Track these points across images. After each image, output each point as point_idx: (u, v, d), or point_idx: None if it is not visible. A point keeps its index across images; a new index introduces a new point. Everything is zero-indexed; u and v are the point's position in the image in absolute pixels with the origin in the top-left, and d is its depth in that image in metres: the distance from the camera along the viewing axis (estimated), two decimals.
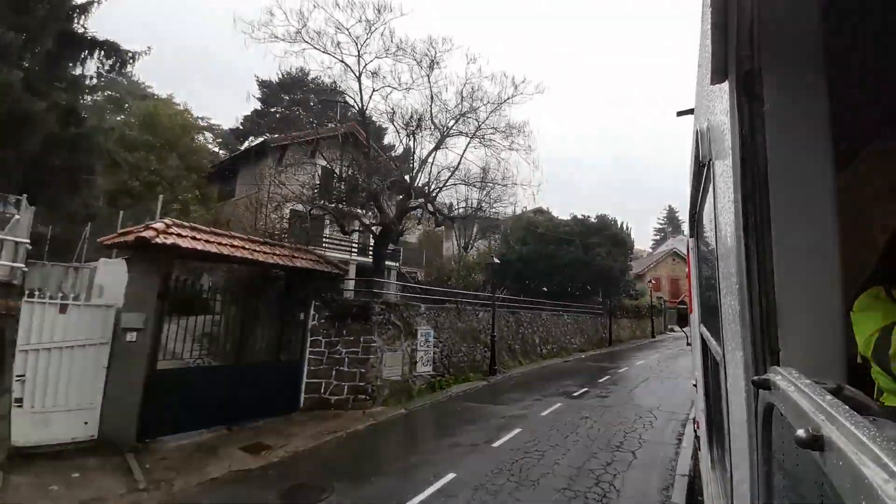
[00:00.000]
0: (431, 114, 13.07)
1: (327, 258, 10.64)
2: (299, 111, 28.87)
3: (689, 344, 4.83)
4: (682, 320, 5.58)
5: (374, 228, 12.92)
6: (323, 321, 9.76)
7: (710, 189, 1.32)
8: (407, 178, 13.62)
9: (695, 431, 4.97)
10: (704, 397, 2.56)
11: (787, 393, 0.60)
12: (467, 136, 13.43)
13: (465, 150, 13.44)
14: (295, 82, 32.14)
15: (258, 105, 35.77)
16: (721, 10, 0.91)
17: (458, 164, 13.50)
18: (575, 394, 11.35)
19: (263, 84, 36.10)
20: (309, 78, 28.96)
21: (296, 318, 9.51)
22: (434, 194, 13.36)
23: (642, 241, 65.56)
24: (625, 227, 27.24)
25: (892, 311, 0.98)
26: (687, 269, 3.96)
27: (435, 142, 13.51)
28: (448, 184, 13.48)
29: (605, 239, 25.02)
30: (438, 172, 13.47)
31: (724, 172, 1.05)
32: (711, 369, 1.90)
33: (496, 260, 16.42)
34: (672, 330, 34.40)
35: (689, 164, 2.17)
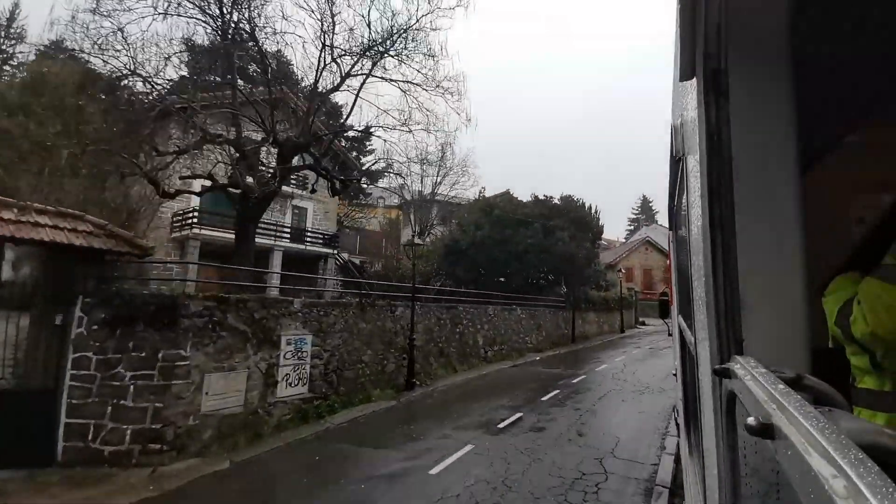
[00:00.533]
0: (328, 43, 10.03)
1: (116, 231, 7.24)
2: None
3: (670, 334, 4.86)
4: (664, 311, 5.85)
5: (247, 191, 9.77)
6: (96, 328, 6.60)
7: (685, 184, 1.37)
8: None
9: (675, 419, 5.35)
10: (682, 385, 2.65)
11: (744, 382, 0.64)
12: (374, 74, 10.86)
13: (360, 88, 10.73)
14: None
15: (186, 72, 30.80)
16: (689, 7, 0.95)
17: (353, 106, 11.02)
18: (501, 423, 8.49)
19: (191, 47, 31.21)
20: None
21: (50, 322, 6.42)
22: (326, 145, 11.12)
23: (616, 231, 65.27)
24: (593, 211, 24.69)
25: (858, 287, 1.04)
26: (668, 262, 5.92)
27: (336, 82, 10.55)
28: (352, 133, 11.97)
29: (568, 222, 22.33)
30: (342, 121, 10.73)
31: (695, 167, 1.09)
32: (688, 358, 1.91)
33: (418, 241, 13.21)
34: (643, 324, 32.22)
35: (666, 158, 2.17)
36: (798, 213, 0.92)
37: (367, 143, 33.45)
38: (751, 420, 0.49)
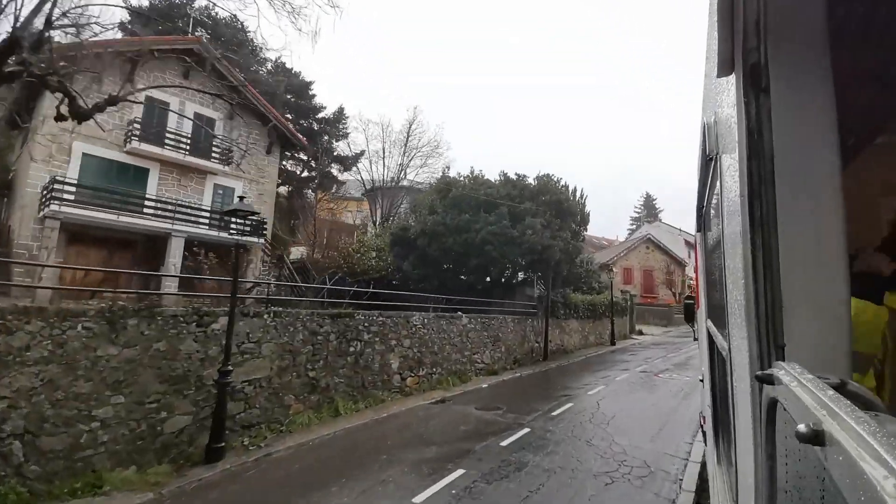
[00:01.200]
0: None
1: None
2: None
3: (696, 339, 4.97)
4: (689, 315, 5.60)
5: None
6: None
7: (718, 183, 1.44)
8: None
9: (701, 427, 5.35)
10: (711, 392, 2.72)
11: (789, 388, 0.66)
12: None
13: None
14: None
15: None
16: (727, 2, 1.00)
17: None
18: None
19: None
20: None
21: None
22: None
23: (619, 232, 66.23)
24: (577, 195, 20.56)
25: None
26: (694, 265, 4.49)
27: None
28: None
29: (545, 207, 18.61)
30: None
31: (731, 166, 1.13)
32: (718, 364, 1.97)
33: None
34: (640, 333, 30.10)
35: (696, 158, 2.31)
36: (840, 213, 0.94)
37: (341, 125, 28.47)
38: (802, 427, 0.50)
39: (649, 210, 69.20)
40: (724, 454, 1.78)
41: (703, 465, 6.25)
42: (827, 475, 0.47)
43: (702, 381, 3.94)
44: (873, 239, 2.10)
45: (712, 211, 1.73)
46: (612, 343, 23.80)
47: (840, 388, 0.64)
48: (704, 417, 3.80)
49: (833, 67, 0.96)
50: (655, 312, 35.25)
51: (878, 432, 0.41)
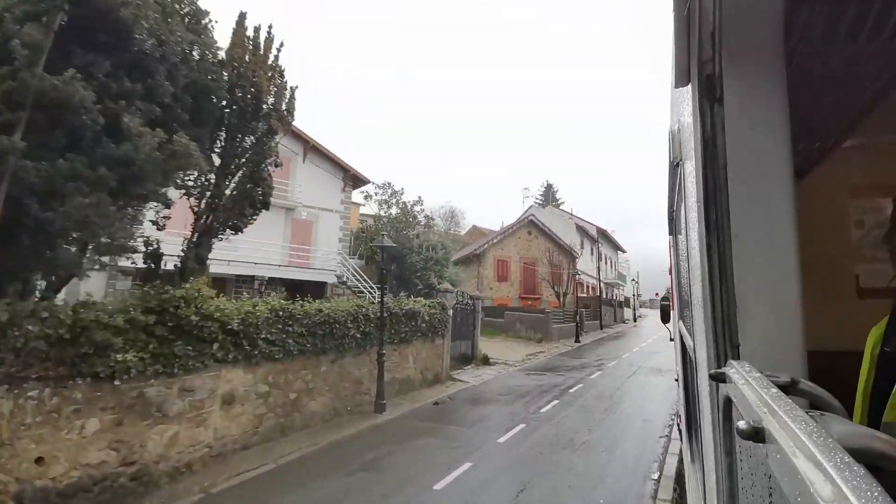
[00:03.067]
0: None
1: None
2: None
3: (672, 339, 5.20)
4: (665, 316, 6.01)
5: None
6: None
7: (682, 189, 1.46)
8: None
9: (678, 425, 5.59)
10: (683, 391, 2.83)
11: (738, 386, 0.67)
12: None
13: None
14: None
15: None
16: (684, 14, 1.02)
17: None
18: None
19: None
20: None
21: None
22: None
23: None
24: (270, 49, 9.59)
25: None
26: (669, 267, 4.63)
27: None
28: None
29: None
30: None
31: (691, 172, 1.17)
32: (689, 364, 1.99)
33: None
34: (486, 362, 16.41)
35: (666, 164, 2.32)
36: (792, 218, 0.97)
37: None
38: (742, 424, 0.51)
39: (548, 200, 60.49)
40: (696, 452, 1.81)
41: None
42: (771, 471, 0.48)
43: (677, 380, 4.07)
44: (841, 241, 2.15)
45: (680, 215, 1.78)
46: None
47: (790, 387, 0.66)
48: (680, 416, 4.01)
49: (797, 71, 1.01)
50: (531, 321, 24.28)
51: (814, 432, 0.41)
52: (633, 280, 61.90)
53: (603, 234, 43.64)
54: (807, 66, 1.47)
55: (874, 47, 1.44)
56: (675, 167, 1.68)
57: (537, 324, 24.03)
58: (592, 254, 40.60)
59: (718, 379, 0.80)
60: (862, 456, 0.39)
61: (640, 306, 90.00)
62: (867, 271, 2.27)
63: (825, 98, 1.72)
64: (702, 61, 1.04)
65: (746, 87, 1.00)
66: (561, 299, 28.60)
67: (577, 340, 24.11)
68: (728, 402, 0.76)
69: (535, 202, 59.02)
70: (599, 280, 38.70)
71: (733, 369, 0.75)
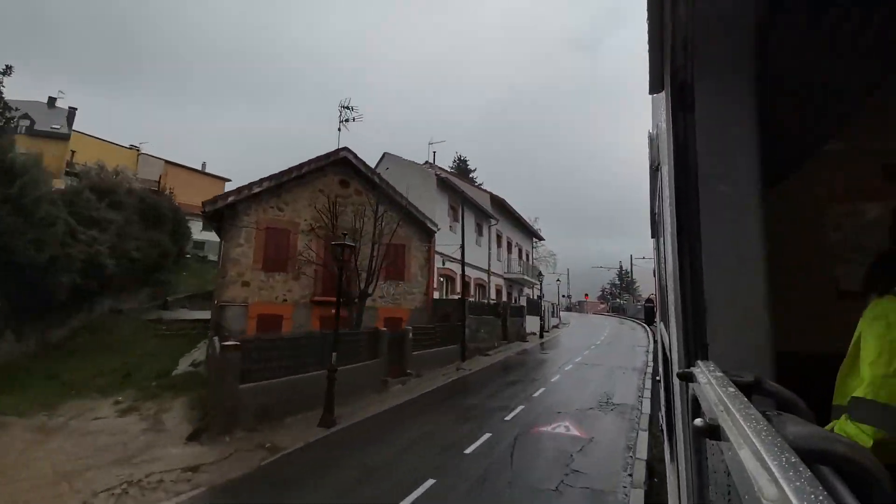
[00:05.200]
0: None
1: None
2: None
3: (656, 341, 5.26)
4: (650, 318, 6.41)
5: None
6: None
7: (661, 192, 1.49)
8: None
9: (660, 425, 5.47)
10: (664, 391, 2.79)
11: (701, 385, 0.69)
12: None
13: None
14: None
15: None
16: (657, 23, 1.04)
17: None
18: None
19: None
20: None
21: None
22: None
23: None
24: None
25: None
26: (653, 268, 4.63)
27: None
28: None
29: None
30: None
31: (665, 176, 1.20)
32: (667, 364, 1.96)
33: None
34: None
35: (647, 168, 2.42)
36: (760, 222, 0.99)
37: None
38: (698, 421, 0.53)
39: (462, 172, 50.35)
40: (673, 450, 1.84)
41: None
42: (727, 468, 0.49)
43: (659, 380, 4.32)
44: (819, 245, 2.22)
45: (660, 218, 1.82)
46: None
47: (754, 387, 0.68)
48: (662, 416, 3.92)
49: (773, 79, 1.05)
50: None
51: (763, 430, 0.42)
52: (557, 279, 52.58)
53: (501, 205, 29.56)
54: (783, 74, 1.48)
55: (850, 57, 1.48)
56: (654, 171, 1.76)
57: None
58: (483, 234, 27.35)
59: (686, 378, 0.85)
60: (822, 458, 0.39)
61: (569, 309, 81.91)
62: (846, 274, 2.29)
63: (802, 105, 1.74)
64: (674, 69, 1.05)
65: (717, 95, 1.01)
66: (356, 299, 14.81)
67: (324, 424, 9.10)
68: (696, 400, 0.78)
69: (449, 169, 47.04)
70: (491, 273, 27.66)
71: (699, 369, 0.78)
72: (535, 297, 34.99)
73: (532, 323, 30.18)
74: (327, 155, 17.42)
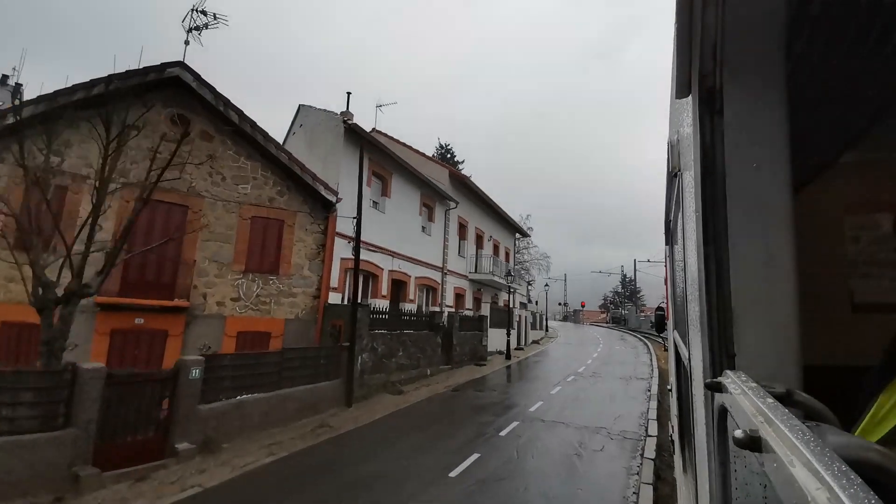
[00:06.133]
0: None
1: None
2: None
3: (666, 349, 5.39)
4: (660, 326, 5.98)
5: None
6: None
7: (680, 199, 1.47)
8: None
9: (670, 435, 5.45)
10: (677, 402, 2.80)
11: (734, 396, 0.68)
12: None
13: None
14: None
15: None
16: (685, 28, 1.03)
17: None
18: None
19: None
20: None
21: None
22: None
23: None
24: None
25: None
26: (664, 276, 4.61)
27: None
28: None
29: None
30: None
31: (689, 183, 1.18)
32: (682, 374, 1.96)
33: None
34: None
35: (664, 174, 2.33)
36: (789, 230, 0.98)
37: None
38: (738, 433, 0.52)
39: (445, 160, 45.31)
40: (689, 462, 1.82)
41: None
42: (767, 481, 0.49)
43: (670, 390, 4.08)
44: (836, 256, 2.17)
45: (678, 225, 1.77)
46: None
47: (785, 398, 0.67)
48: (673, 427, 3.90)
49: (793, 90, 1.00)
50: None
51: (811, 441, 0.42)
52: (546, 284, 46.19)
53: (464, 185, 23.16)
54: (807, 81, 1.48)
55: (874, 65, 1.46)
56: (672, 177, 1.69)
57: None
58: (435, 220, 20.75)
59: (714, 388, 0.81)
60: (858, 467, 0.38)
61: (565, 318, 74.99)
62: (862, 287, 2.22)
63: (824, 113, 1.72)
64: (702, 74, 1.04)
65: (746, 101, 1.00)
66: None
67: None
68: (723, 411, 0.78)
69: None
70: (448, 272, 21.21)
71: (729, 379, 0.76)
72: (504, 306, 27.12)
73: (498, 338, 24.05)
74: (145, 70, 10.92)
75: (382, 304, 15.79)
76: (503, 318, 25.54)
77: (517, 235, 35.07)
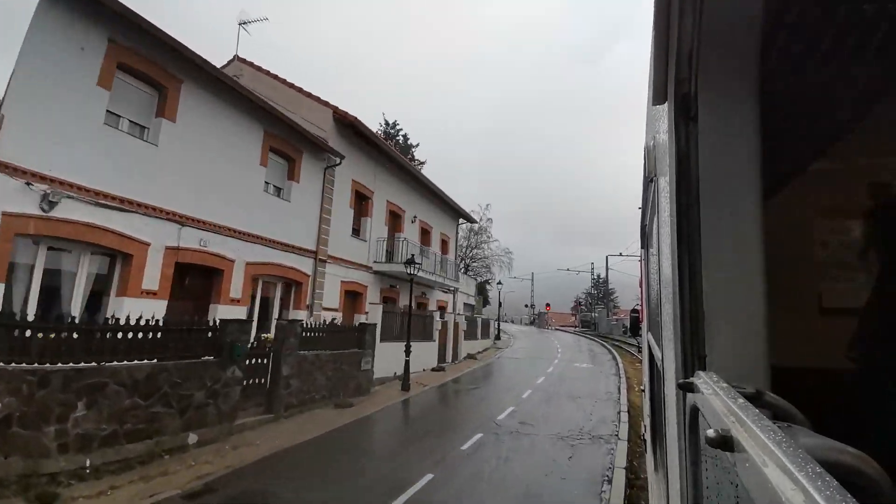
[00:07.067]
0: None
1: None
2: None
3: (640, 350, 5.28)
4: (635, 328, 5.93)
5: None
6: None
7: (656, 204, 1.49)
8: None
9: (642, 435, 5.71)
10: (650, 402, 2.82)
11: (706, 396, 0.69)
12: None
13: None
14: None
15: None
16: (663, 34, 1.04)
17: None
18: None
19: None
20: None
21: None
22: None
23: None
24: None
25: None
26: (639, 279, 4.50)
27: None
28: None
29: None
30: None
31: (665, 189, 1.18)
32: (655, 374, 1.99)
33: None
34: None
35: (641, 179, 2.39)
36: (760, 235, 1.00)
37: None
38: (710, 432, 0.52)
39: (388, 137, 38.91)
40: (660, 461, 1.83)
41: None
42: (739, 480, 0.48)
43: (643, 391, 4.20)
44: (805, 260, 2.18)
45: (653, 229, 1.79)
46: None
47: (755, 399, 0.67)
48: (645, 426, 3.90)
49: (771, 92, 1.04)
50: None
51: (784, 442, 0.42)
52: (499, 282, 40.14)
53: (355, 131, 15.67)
54: (781, 89, 1.49)
55: (847, 75, 1.51)
56: (649, 182, 1.70)
57: None
58: (297, 177, 13.32)
59: (686, 388, 0.82)
60: (831, 469, 0.38)
61: (532, 322, 68.56)
62: (830, 290, 2.24)
63: (797, 120, 1.74)
64: (678, 80, 1.04)
65: (721, 108, 1.02)
66: None
67: None
68: (695, 411, 0.78)
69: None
70: (328, 260, 14.35)
71: (701, 379, 0.77)
72: (422, 309, 20.62)
73: (394, 355, 15.38)
74: None
75: (146, 307, 8.93)
76: (422, 326, 18.77)
77: (461, 221, 28.48)
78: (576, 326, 63.66)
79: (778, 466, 0.38)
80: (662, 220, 1.22)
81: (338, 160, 14.88)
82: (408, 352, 14.56)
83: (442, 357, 20.74)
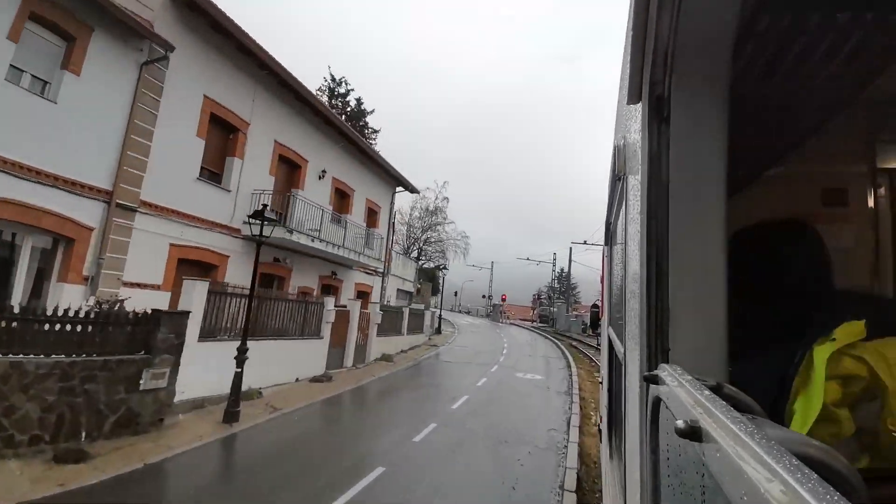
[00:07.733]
0: None
1: None
2: None
3: (598, 346, 5.13)
4: (595, 323, 5.76)
5: None
6: None
7: (623, 202, 1.51)
8: None
9: (598, 426, 5.58)
10: (608, 394, 2.93)
11: (671, 387, 0.70)
12: None
13: None
14: None
15: None
16: (640, 35, 1.05)
17: None
18: None
19: None
20: None
21: None
22: None
23: None
24: None
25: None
26: (601, 275, 4.48)
27: None
28: None
29: None
30: None
31: (635, 187, 1.21)
32: (615, 368, 2.09)
33: None
34: None
35: (608, 177, 2.45)
36: (723, 235, 1.02)
37: None
38: (679, 423, 0.52)
39: (357, 118, 35.38)
40: (616, 450, 1.89)
41: None
42: (706, 470, 0.49)
43: (601, 383, 4.15)
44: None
45: (619, 226, 1.81)
46: None
47: (716, 390, 0.67)
48: (602, 417, 3.97)
49: (738, 97, 1.04)
50: None
51: (755, 433, 0.43)
52: (443, 266, 36.14)
53: (204, 13, 9.96)
54: (747, 94, 1.53)
55: (813, 83, 1.56)
56: (617, 180, 1.72)
57: None
58: (72, 68, 7.86)
59: (651, 380, 0.84)
60: (801, 462, 0.39)
61: (488, 314, 64.68)
62: None
63: (759, 125, 1.79)
64: (653, 82, 1.06)
65: (692, 110, 1.03)
66: None
67: None
68: (657, 402, 0.79)
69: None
70: (138, 205, 8.90)
71: (665, 372, 0.78)
72: (299, 294, 13.92)
73: (231, 364, 8.75)
74: None
75: None
76: (302, 318, 13.01)
77: (399, 189, 23.49)
78: (533, 321, 60.09)
79: (752, 457, 0.39)
80: (631, 217, 1.25)
81: (164, 52, 9.65)
82: (240, 360, 8.83)
83: (337, 360, 15.09)
